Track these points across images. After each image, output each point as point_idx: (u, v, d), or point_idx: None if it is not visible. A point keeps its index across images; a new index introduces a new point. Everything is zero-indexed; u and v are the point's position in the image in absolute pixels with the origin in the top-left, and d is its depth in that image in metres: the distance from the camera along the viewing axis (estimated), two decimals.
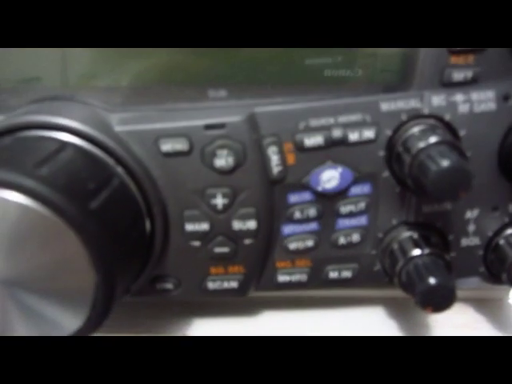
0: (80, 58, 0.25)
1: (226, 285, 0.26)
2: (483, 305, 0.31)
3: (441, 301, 0.23)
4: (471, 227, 0.26)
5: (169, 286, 0.26)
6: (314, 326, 0.29)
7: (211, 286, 0.26)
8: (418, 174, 0.22)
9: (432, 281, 0.23)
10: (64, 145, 0.21)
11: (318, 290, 0.30)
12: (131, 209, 0.22)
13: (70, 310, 0.20)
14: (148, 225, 0.23)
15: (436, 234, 0.26)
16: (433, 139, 0.22)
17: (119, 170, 0.22)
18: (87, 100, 0.24)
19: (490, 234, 0.26)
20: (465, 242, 0.26)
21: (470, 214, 0.26)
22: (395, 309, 0.30)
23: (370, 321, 0.29)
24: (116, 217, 0.20)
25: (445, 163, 0.21)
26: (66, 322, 0.20)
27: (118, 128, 0.23)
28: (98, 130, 0.22)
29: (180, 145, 0.23)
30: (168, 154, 0.23)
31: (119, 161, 0.22)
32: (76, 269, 0.19)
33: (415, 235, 0.25)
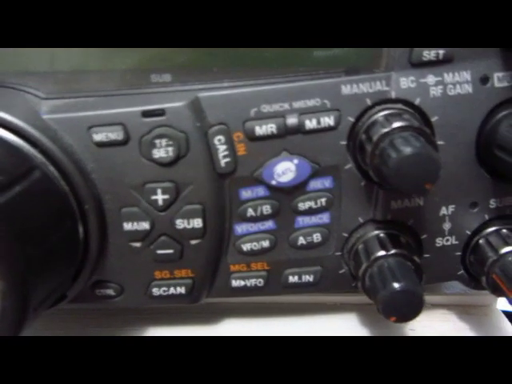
0: None
1: (172, 290, 0.23)
2: (468, 312, 0.28)
3: (406, 309, 0.20)
4: (447, 225, 0.23)
5: (111, 291, 0.23)
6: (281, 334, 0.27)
7: (157, 291, 0.23)
8: (379, 164, 0.20)
9: (396, 286, 0.20)
10: None
11: (284, 296, 0.28)
12: (55, 206, 0.20)
13: None
14: (80, 224, 0.21)
15: (407, 233, 0.23)
16: (396, 124, 0.20)
17: (43, 161, 0.20)
18: (17, 86, 0.22)
19: (468, 232, 0.23)
20: (440, 241, 0.24)
21: (446, 211, 0.23)
22: (368, 316, 0.28)
23: (342, 330, 0.27)
24: (32, 214, 0.18)
25: (407, 150, 0.18)
26: None
27: (46, 116, 0.21)
28: (22, 118, 0.20)
29: (115, 134, 0.21)
30: (102, 144, 0.21)
31: (45, 152, 0.20)
32: None
33: (382, 234, 0.23)
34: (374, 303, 0.21)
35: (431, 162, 0.18)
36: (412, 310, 0.20)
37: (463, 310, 0.29)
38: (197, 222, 0.22)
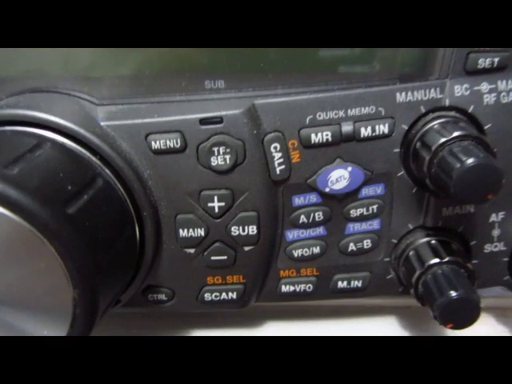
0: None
1: (224, 295, 0.24)
2: (506, 314, 0.29)
3: (463, 316, 0.20)
4: (496, 232, 0.24)
5: (162, 296, 0.24)
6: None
7: (208, 296, 0.24)
8: (438, 174, 0.20)
9: (453, 294, 0.20)
10: (41, 142, 0.19)
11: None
12: (117, 213, 0.20)
13: (49, 326, 0.18)
14: (137, 230, 0.21)
15: (456, 239, 0.23)
16: (456, 133, 0.20)
17: (104, 169, 0.20)
18: (71, 92, 0.22)
19: None
20: (488, 247, 0.24)
21: (495, 217, 0.23)
22: (409, 319, 0.28)
23: (382, 333, 0.27)
24: (99, 222, 0.18)
25: (471, 161, 0.18)
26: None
27: (103, 123, 0.21)
28: (81, 124, 0.20)
29: (173, 141, 0.21)
30: (159, 152, 0.21)
31: (104, 159, 0.20)
32: (52, 282, 0.17)
33: (433, 241, 0.23)
34: (430, 309, 0.21)
35: (494, 173, 0.18)
36: (469, 316, 0.20)
37: (500, 313, 0.29)
38: (251, 229, 0.22)
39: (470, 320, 0.20)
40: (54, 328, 0.18)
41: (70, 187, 0.18)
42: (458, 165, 0.19)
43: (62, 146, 0.19)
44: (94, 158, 0.20)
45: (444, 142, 0.20)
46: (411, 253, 0.23)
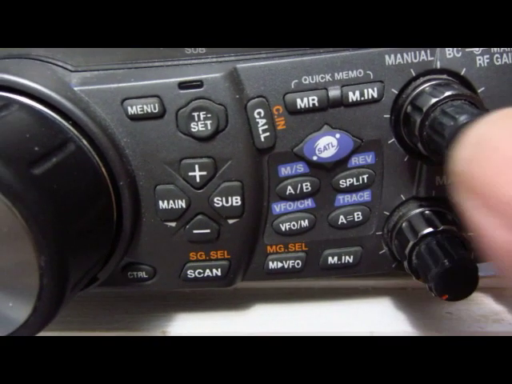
0: None
1: (208, 272, 0.22)
2: (504, 294, 0.28)
3: (459, 286, 0.19)
4: None
5: (143, 274, 0.22)
6: (311, 321, 0.26)
7: (191, 273, 0.22)
8: (431, 135, 0.19)
9: (448, 263, 0.19)
10: (7, 103, 0.18)
11: (315, 280, 0.27)
12: (90, 180, 0.19)
13: (15, 298, 0.17)
14: (114, 201, 0.20)
15: (452, 210, 0.22)
16: (447, 93, 0.19)
17: (77, 134, 0.19)
18: (44, 58, 0.21)
19: None
20: None
21: None
22: (404, 301, 0.27)
23: (375, 315, 0.26)
24: (68, 187, 0.17)
25: (464, 117, 0.17)
26: (11, 314, 0.17)
27: (77, 88, 0.20)
28: (52, 88, 0.19)
29: (150, 106, 0.20)
30: (136, 118, 0.20)
31: (77, 125, 0.19)
32: (17, 249, 0.16)
33: (427, 211, 0.22)
34: (424, 282, 0.20)
35: None
36: (465, 287, 0.19)
37: (498, 293, 0.28)
38: (235, 200, 0.21)
39: (467, 290, 0.19)
40: (21, 300, 0.17)
41: (37, 148, 0.16)
42: (451, 122, 0.18)
43: (30, 108, 0.18)
44: (65, 123, 0.19)
45: (436, 103, 0.19)
46: (404, 224, 0.22)
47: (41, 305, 0.16)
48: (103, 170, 0.19)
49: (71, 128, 0.19)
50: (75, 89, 0.20)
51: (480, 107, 0.19)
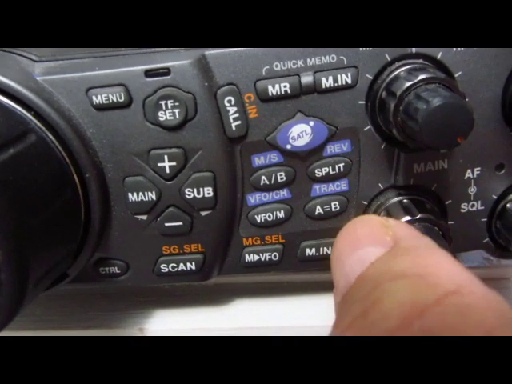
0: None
1: (182, 266, 0.22)
2: (488, 285, 0.27)
3: None
4: (472, 189, 0.22)
5: (115, 269, 0.22)
6: (292, 315, 0.25)
7: (165, 268, 0.22)
8: (405, 121, 0.18)
9: None
10: None
11: (296, 274, 0.26)
12: (53, 173, 0.18)
13: None
14: (81, 194, 0.19)
15: (431, 198, 0.22)
16: (421, 76, 0.18)
17: (39, 125, 0.18)
18: (9, 49, 0.20)
19: (494, 197, 0.22)
20: (465, 207, 0.22)
21: (471, 174, 0.22)
22: None
23: None
24: (28, 179, 0.16)
25: (437, 100, 0.17)
26: None
27: (40, 77, 0.19)
28: (12, 78, 0.18)
29: (116, 96, 0.19)
30: (102, 107, 0.19)
31: (39, 115, 0.18)
32: None
33: (405, 200, 0.21)
34: None
35: (464, 112, 0.17)
36: None
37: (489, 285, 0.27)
38: (207, 191, 0.20)
39: None
40: None
41: None
42: (425, 106, 0.17)
43: None
44: (27, 114, 0.18)
45: (409, 87, 0.18)
46: (382, 214, 0.21)
47: (1, 302, 0.16)
48: (68, 161, 0.19)
49: (33, 119, 0.18)
50: (38, 79, 0.19)
51: (455, 91, 0.18)
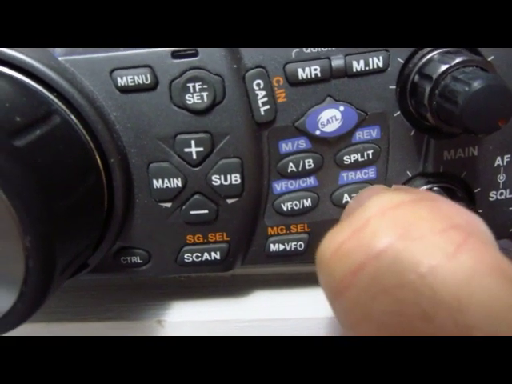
0: None
1: (206, 256, 0.21)
2: None
3: None
4: (501, 177, 0.22)
5: (137, 259, 0.21)
6: (311, 306, 0.24)
7: (188, 257, 0.21)
8: (441, 104, 0.18)
9: None
10: None
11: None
12: (78, 156, 0.17)
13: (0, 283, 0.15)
14: (104, 180, 0.19)
15: (460, 186, 0.21)
16: (458, 59, 0.18)
17: (62, 106, 0.17)
18: None
19: None
20: (494, 195, 0.22)
21: (500, 161, 0.21)
22: None
23: None
24: (54, 162, 0.16)
25: (479, 82, 0.16)
26: None
27: (61, 57, 0.18)
28: (33, 57, 0.17)
29: (141, 77, 0.18)
30: (127, 90, 0.19)
31: (62, 96, 0.17)
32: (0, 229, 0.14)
33: (436, 188, 0.21)
34: None
35: (506, 95, 0.16)
36: None
37: None
38: (235, 178, 0.20)
39: None
40: (6, 286, 0.15)
41: (18, 118, 0.15)
42: (466, 88, 0.17)
43: (10, 77, 0.17)
44: (49, 95, 0.17)
45: (446, 70, 0.18)
46: None
47: (27, 290, 0.15)
48: (92, 145, 0.18)
49: (56, 100, 0.17)
50: (60, 59, 0.18)
51: (493, 73, 0.18)
